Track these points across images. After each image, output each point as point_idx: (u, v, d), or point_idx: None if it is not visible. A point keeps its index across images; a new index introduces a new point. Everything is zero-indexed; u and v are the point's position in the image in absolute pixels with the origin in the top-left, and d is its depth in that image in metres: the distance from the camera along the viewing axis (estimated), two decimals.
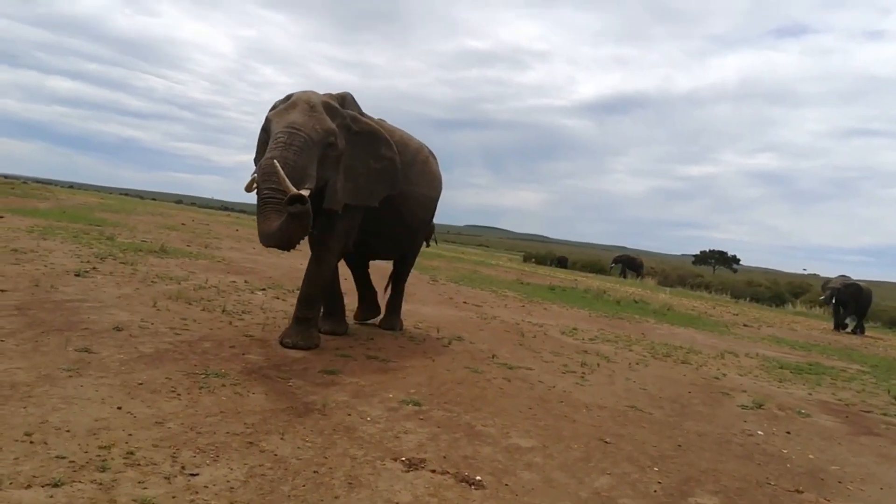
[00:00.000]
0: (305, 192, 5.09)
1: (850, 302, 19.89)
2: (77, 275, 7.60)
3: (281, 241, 5.18)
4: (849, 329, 20.25)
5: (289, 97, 5.93)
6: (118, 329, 5.39)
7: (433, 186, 7.65)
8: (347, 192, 6.11)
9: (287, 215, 4.97)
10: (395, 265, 8.14)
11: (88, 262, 8.70)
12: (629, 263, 41.08)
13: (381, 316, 7.97)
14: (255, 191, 5.33)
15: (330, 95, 6.15)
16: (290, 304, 8.02)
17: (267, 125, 5.73)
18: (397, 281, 8.10)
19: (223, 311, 7.08)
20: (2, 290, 6.16)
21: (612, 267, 41.66)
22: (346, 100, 6.32)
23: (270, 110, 5.89)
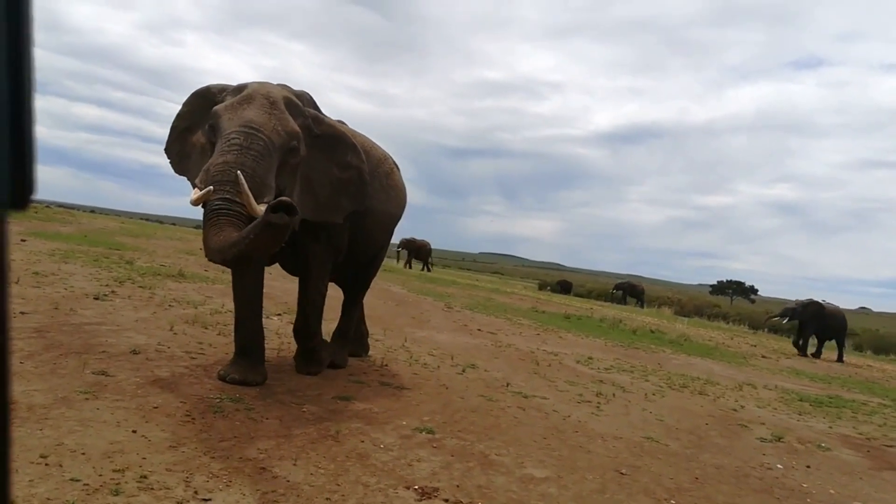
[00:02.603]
0: (262, 210, 4.28)
1: (809, 323, 18.62)
2: (96, 298, 7.68)
3: (241, 252, 4.22)
4: (813, 352, 18.73)
5: (241, 88, 4.97)
6: (135, 352, 5.43)
7: (396, 202, 6.79)
8: (307, 206, 5.15)
9: (263, 224, 4.07)
10: (351, 289, 7.02)
11: (107, 285, 8.79)
12: (630, 290, 41.81)
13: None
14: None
15: (290, 90, 5.24)
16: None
17: (214, 120, 4.70)
18: (347, 305, 6.98)
19: None
20: (22, 313, 6.23)
21: (613, 293, 42.25)
22: (303, 99, 5.40)
23: (203, 93, 5.11)
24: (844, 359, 18.68)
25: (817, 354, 18.69)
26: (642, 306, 37.83)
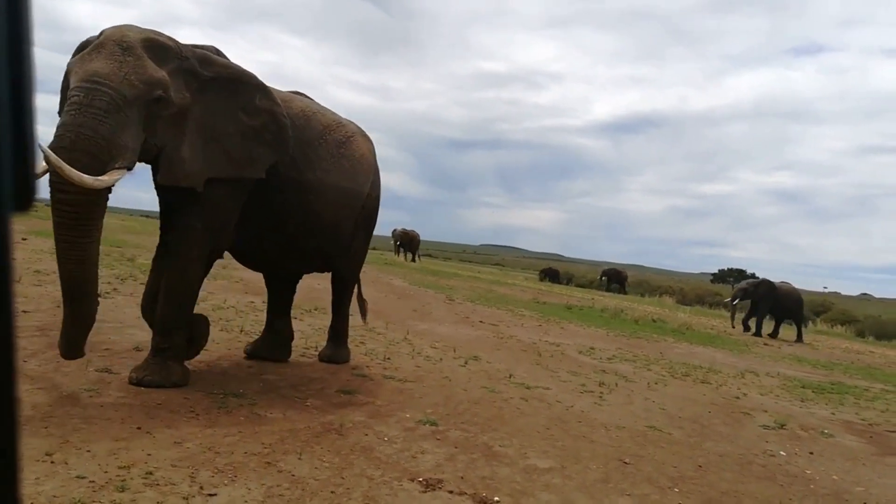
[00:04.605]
0: (116, 176, 3.88)
1: (762, 302, 18.37)
2: (98, 296, 7.68)
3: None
4: (770, 332, 18.59)
5: (100, 35, 4.20)
6: (138, 349, 5.44)
7: (351, 176, 5.80)
8: (212, 160, 4.61)
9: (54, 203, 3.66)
10: (332, 285, 6.54)
11: (109, 283, 8.80)
12: (615, 277, 42.95)
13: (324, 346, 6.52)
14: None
15: (157, 33, 4.40)
16: (307, 325, 8.07)
17: (67, 77, 4.12)
18: (335, 302, 6.50)
19: (241, 331, 7.14)
20: (24, 311, 6.24)
21: (601, 280, 43.32)
22: (206, 52, 4.74)
23: (75, 53, 4.28)
24: (801, 340, 18.41)
25: (773, 335, 18.56)
26: (624, 293, 39.35)
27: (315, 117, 5.56)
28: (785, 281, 19.70)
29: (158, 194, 4.75)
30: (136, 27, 4.30)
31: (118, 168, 3.90)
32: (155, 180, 4.55)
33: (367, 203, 6.20)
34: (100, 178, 3.76)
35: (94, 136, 3.79)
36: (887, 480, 5.12)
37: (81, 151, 3.74)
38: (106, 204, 4.07)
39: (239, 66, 4.91)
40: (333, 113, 5.98)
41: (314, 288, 11.51)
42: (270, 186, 5.02)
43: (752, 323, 18.75)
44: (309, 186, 5.33)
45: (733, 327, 19.03)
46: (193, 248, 4.71)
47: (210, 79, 4.64)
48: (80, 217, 3.83)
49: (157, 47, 4.26)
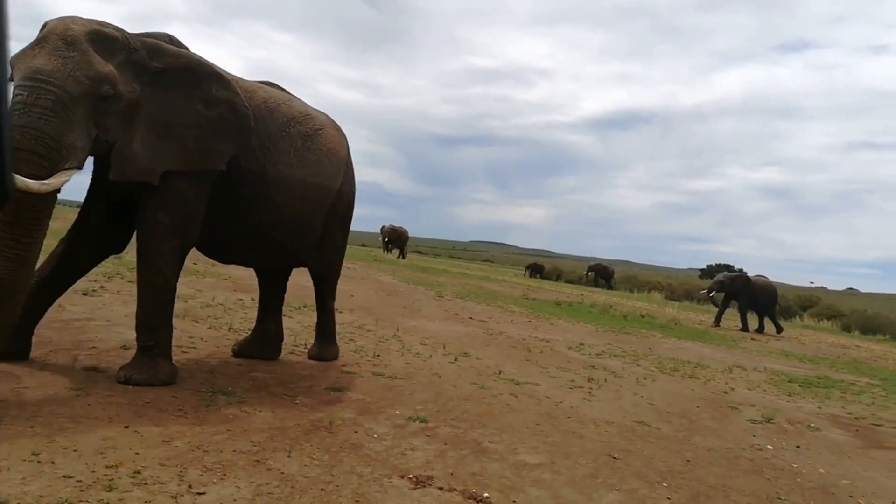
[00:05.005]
0: (64, 178, 3.80)
1: (740, 295, 18.56)
2: (85, 294, 7.62)
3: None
4: (757, 328, 18.78)
5: (43, 27, 4.04)
6: (125, 347, 5.40)
7: (318, 171, 5.61)
8: (168, 154, 4.50)
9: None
10: (313, 283, 6.41)
11: (96, 280, 8.73)
12: (601, 272, 43.55)
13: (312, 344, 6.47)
14: None
15: (103, 24, 4.22)
16: (296, 322, 8.05)
17: (11, 74, 3.84)
18: (319, 300, 6.42)
19: (230, 328, 7.11)
20: None
21: (587, 275, 43.90)
22: (157, 42, 4.56)
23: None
24: (782, 332, 18.77)
25: (759, 329, 18.80)
26: (610, 288, 40.11)
27: (280, 109, 5.38)
28: (761, 275, 19.95)
29: (105, 187, 4.55)
30: (81, 19, 4.13)
31: (67, 169, 3.82)
32: (105, 175, 4.38)
33: (340, 198, 6.04)
34: (46, 182, 3.66)
35: (41, 137, 3.69)
36: (872, 473, 5.17)
37: (28, 153, 3.63)
38: (54, 204, 3.98)
39: (193, 55, 4.75)
40: (303, 105, 5.80)
41: (303, 286, 11.47)
42: (232, 179, 4.91)
43: (740, 319, 18.91)
44: (271, 180, 5.16)
45: (718, 323, 19.12)
46: (162, 242, 4.60)
47: (162, 70, 4.48)
48: (23, 218, 3.72)
49: (104, 40, 4.12)
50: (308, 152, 5.49)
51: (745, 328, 18.43)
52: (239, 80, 5.22)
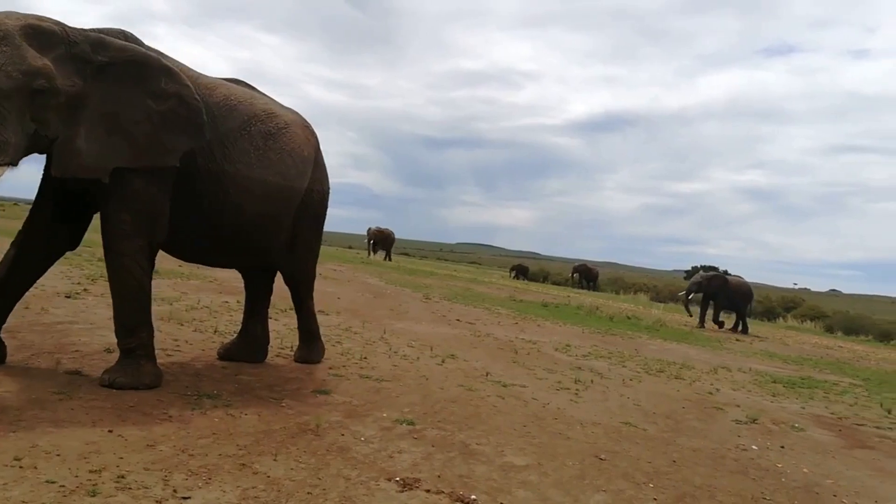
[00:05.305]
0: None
1: (718, 295, 18.83)
2: (68, 296, 7.55)
3: None
4: (728, 327, 19.15)
5: None
6: (109, 351, 5.34)
7: (285, 171, 5.46)
8: (117, 150, 4.38)
9: None
10: (288, 285, 6.30)
11: (79, 283, 8.65)
12: (586, 273, 43.82)
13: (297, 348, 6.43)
14: None
15: (40, 17, 4.16)
16: (282, 325, 8.01)
17: None
18: (296, 302, 6.33)
19: (215, 331, 7.06)
20: None
21: (572, 277, 44.07)
22: (101, 36, 4.43)
23: None
24: (749, 329, 19.10)
25: (745, 329, 19.08)
26: (595, 290, 40.47)
27: (240, 107, 5.22)
28: (737, 275, 20.38)
29: (57, 185, 4.49)
30: (16, 13, 4.06)
31: (1, 164, 3.76)
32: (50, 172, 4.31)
33: (310, 197, 5.90)
34: None
35: None
36: (855, 472, 5.23)
37: None
38: None
39: (139, 49, 4.62)
40: (267, 103, 5.65)
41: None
42: (191, 178, 4.81)
43: (713, 315, 19.27)
44: (229, 179, 5.02)
45: (690, 316, 19.73)
46: (128, 242, 4.53)
47: (107, 64, 4.37)
48: None
49: (39, 34, 4.03)
50: (269, 151, 5.34)
51: (699, 323, 18.93)
52: (201, 76, 5.16)
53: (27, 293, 4.99)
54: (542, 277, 46.54)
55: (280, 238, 5.75)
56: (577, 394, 6.71)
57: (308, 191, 5.87)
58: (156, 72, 4.57)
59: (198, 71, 5.20)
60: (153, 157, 4.53)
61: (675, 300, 35.62)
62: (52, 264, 5.02)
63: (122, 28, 4.79)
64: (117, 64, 4.42)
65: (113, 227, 4.53)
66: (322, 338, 6.61)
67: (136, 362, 4.54)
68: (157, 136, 4.53)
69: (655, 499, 3.94)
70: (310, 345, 6.35)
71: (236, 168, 5.06)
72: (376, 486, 3.47)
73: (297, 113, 5.99)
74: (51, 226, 4.75)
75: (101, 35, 4.45)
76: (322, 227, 6.39)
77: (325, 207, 6.31)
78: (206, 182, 4.92)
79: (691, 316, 19.80)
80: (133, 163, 4.46)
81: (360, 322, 9.45)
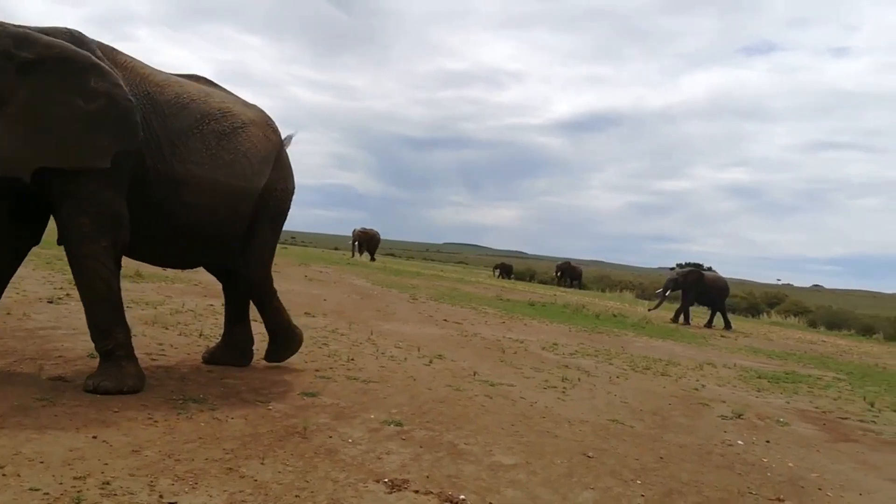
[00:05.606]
0: None
1: (691, 290, 19.00)
2: (50, 301, 7.47)
3: None
4: (703, 323, 19.24)
5: None
6: (93, 356, 5.27)
7: (239, 171, 5.28)
8: (44, 149, 4.26)
9: None
10: (242, 286, 5.96)
11: (62, 288, 8.56)
12: (569, 272, 44.03)
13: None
14: None
15: None
16: None
17: None
18: (259, 304, 6.03)
19: (200, 335, 7.01)
20: None
21: (556, 275, 44.26)
22: (27, 31, 4.31)
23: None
24: (731, 326, 19.35)
25: (709, 323, 19.28)
26: (579, 287, 40.82)
27: (193, 105, 5.05)
28: (713, 270, 20.62)
29: (3, 185, 4.38)
30: None
31: None
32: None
33: (268, 197, 5.67)
34: None
35: None
36: (840, 466, 5.28)
37: None
38: None
39: (67, 46, 4.39)
40: (224, 101, 5.43)
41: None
42: (142, 179, 4.70)
43: (679, 310, 19.54)
44: (180, 179, 4.87)
45: (649, 310, 20.27)
46: (91, 245, 4.46)
47: (31, 60, 4.21)
48: None
49: None
50: (223, 151, 5.16)
51: (686, 321, 19.10)
52: (155, 73, 5.04)
53: (7, 299, 4.93)
54: (529, 276, 46.70)
55: (236, 238, 5.58)
56: (564, 392, 6.73)
57: (267, 190, 5.66)
58: (85, 70, 4.38)
59: (154, 68, 5.08)
60: (82, 158, 4.37)
61: (653, 298, 35.97)
62: (20, 263, 4.99)
63: (95, 27, 4.70)
64: (43, 60, 4.25)
65: (73, 232, 4.47)
66: (303, 331, 6.40)
67: (116, 364, 4.51)
68: (85, 137, 4.36)
69: (643, 495, 3.96)
70: (278, 340, 6.08)
71: (187, 168, 4.91)
72: (365, 487, 3.46)
73: (260, 111, 5.83)
74: (12, 225, 4.69)
75: (27, 31, 4.31)
76: (281, 227, 6.21)
77: (286, 206, 6.11)
78: (157, 182, 4.79)
79: (652, 310, 20.40)
80: (60, 163, 4.32)
81: (347, 323, 9.43)
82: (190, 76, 5.47)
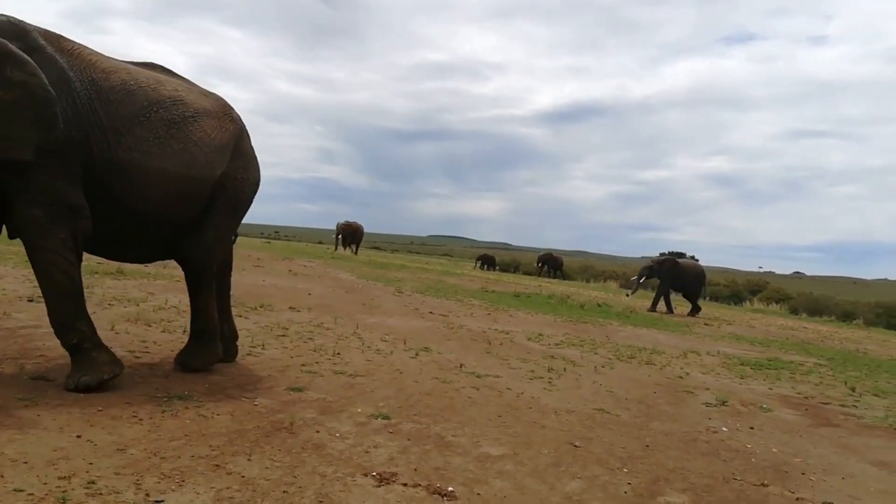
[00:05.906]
0: None
1: (666, 278, 19.10)
2: (30, 300, 7.37)
3: None
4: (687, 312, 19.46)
5: None
6: None
7: (190, 160, 5.08)
8: None
9: None
10: (187, 275, 5.73)
11: None
12: (551, 262, 44.43)
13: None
14: None
15: None
16: (253, 322, 7.93)
17: None
18: (193, 290, 5.71)
19: (184, 331, 6.94)
20: None
21: (538, 265, 44.53)
22: None
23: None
24: (699, 310, 19.58)
25: (695, 310, 19.43)
26: (561, 277, 41.26)
27: (141, 93, 4.85)
28: (691, 258, 20.78)
29: None
30: None
31: None
32: None
33: (225, 187, 5.47)
34: None
35: None
36: (822, 450, 5.36)
37: None
38: None
39: None
40: (179, 89, 5.24)
41: (259, 284, 11.31)
42: (89, 168, 4.56)
43: (655, 299, 19.76)
44: (124, 168, 4.69)
45: (627, 296, 21.03)
46: (46, 237, 4.36)
47: None
48: None
49: None
50: (172, 140, 4.96)
51: (661, 307, 19.29)
52: (104, 59, 4.89)
53: None
54: (514, 268, 46.86)
55: (187, 229, 5.37)
56: (550, 382, 6.77)
57: (224, 178, 5.45)
58: (2, 59, 4.17)
59: (104, 55, 4.93)
60: (0, 150, 4.19)
61: (645, 287, 36.20)
62: None
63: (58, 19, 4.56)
64: None
65: (28, 226, 4.37)
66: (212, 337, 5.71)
67: (87, 357, 4.45)
68: (3, 128, 4.18)
69: (630, 483, 3.99)
70: (193, 346, 5.60)
71: (132, 156, 4.72)
72: (353, 481, 3.46)
73: (219, 99, 5.65)
74: None
75: None
76: (240, 217, 5.98)
77: (247, 196, 5.90)
78: (103, 172, 4.63)
79: (628, 296, 21.15)
80: None
81: (332, 318, 9.40)
82: (145, 64, 5.30)
